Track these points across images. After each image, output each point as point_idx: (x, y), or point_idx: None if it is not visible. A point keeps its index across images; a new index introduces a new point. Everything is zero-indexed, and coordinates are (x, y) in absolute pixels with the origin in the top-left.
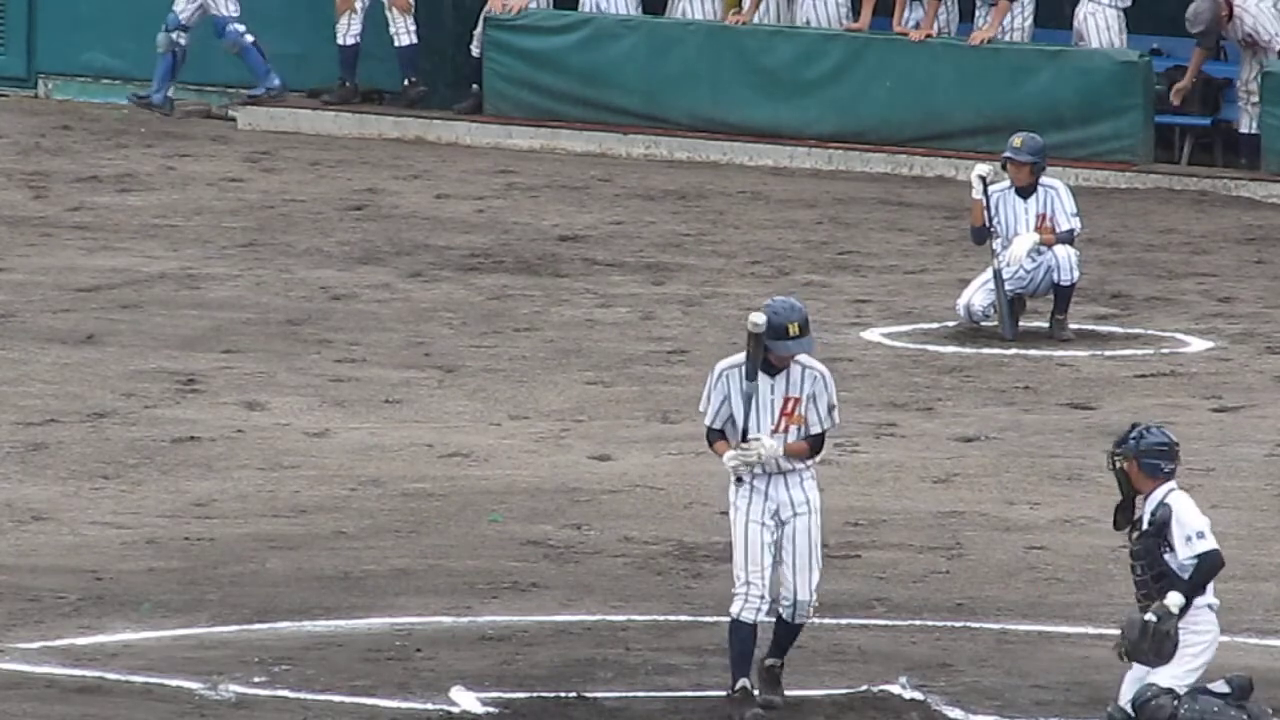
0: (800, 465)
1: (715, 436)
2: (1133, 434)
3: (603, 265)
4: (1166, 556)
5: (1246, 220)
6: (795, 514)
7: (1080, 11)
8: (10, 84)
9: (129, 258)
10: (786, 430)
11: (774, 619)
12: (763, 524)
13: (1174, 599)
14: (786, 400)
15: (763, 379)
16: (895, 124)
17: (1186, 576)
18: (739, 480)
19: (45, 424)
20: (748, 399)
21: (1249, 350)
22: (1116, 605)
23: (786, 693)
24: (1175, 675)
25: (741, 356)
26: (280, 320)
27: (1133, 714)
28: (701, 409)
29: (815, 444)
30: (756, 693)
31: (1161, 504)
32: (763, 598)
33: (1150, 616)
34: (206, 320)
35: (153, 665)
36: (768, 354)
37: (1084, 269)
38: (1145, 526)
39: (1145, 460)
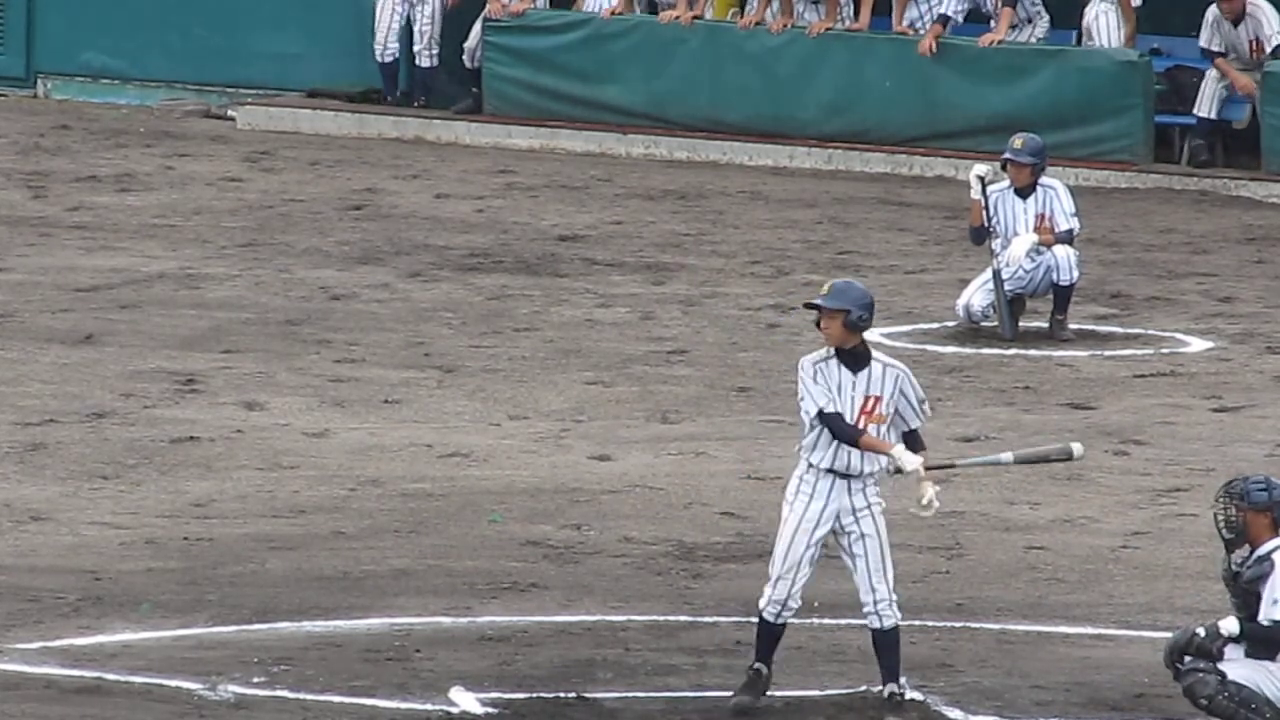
0: (867, 470)
1: (856, 431)
2: (1259, 485)
3: (603, 265)
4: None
5: (1246, 220)
6: (858, 519)
7: (1090, 11)
8: (9, 84)
9: (128, 258)
10: (865, 428)
11: (869, 639)
12: (815, 528)
13: (1230, 625)
14: (868, 399)
15: (845, 375)
16: (895, 124)
17: (1263, 629)
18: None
19: (44, 424)
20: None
21: (1249, 350)
22: (1116, 605)
23: (787, 693)
24: (1243, 675)
25: (827, 350)
26: (280, 320)
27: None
28: (809, 405)
29: (917, 441)
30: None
31: (1268, 559)
32: (784, 603)
33: (1200, 630)
34: (206, 320)
35: (152, 665)
36: (854, 349)
37: (1084, 269)
38: (1245, 572)
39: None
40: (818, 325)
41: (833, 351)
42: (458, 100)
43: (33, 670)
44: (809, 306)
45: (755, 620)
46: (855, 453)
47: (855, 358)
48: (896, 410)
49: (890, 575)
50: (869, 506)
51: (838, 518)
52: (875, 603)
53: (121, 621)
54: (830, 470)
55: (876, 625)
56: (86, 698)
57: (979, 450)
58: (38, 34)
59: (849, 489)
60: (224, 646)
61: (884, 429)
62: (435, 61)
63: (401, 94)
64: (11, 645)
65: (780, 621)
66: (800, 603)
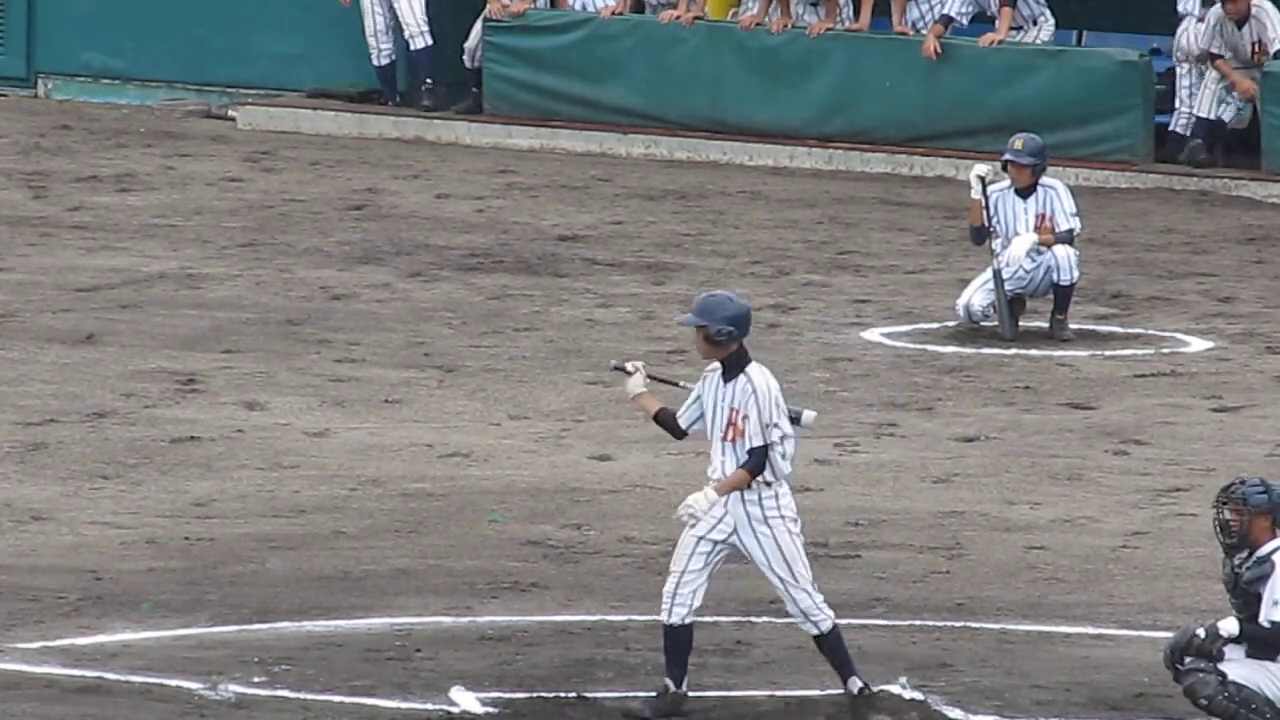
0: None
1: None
2: (1257, 488)
3: (603, 265)
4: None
5: (1246, 220)
6: (754, 528)
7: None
8: (10, 84)
9: (129, 257)
10: (734, 440)
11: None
12: (708, 531)
13: (1229, 626)
14: (733, 411)
15: (721, 386)
16: (895, 124)
17: (1263, 630)
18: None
19: (45, 424)
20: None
21: (1249, 350)
22: (1116, 605)
23: (786, 693)
24: (1243, 675)
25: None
26: (280, 320)
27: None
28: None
29: (751, 462)
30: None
31: (1268, 560)
32: (672, 598)
33: (1200, 632)
34: (206, 320)
35: (152, 665)
36: (729, 360)
37: (1084, 269)
38: (1244, 573)
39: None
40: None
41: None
42: (458, 100)
43: (33, 670)
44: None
45: (755, 620)
46: (728, 462)
47: (729, 369)
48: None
49: (806, 581)
50: (765, 519)
51: (735, 530)
52: (802, 613)
53: (122, 621)
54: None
55: (814, 632)
56: (87, 697)
57: (979, 451)
58: (38, 34)
59: (742, 498)
60: (224, 646)
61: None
62: (429, 40)
63: (404, 95)
64: (12, 645)
65: (675, 622)
66: (694, 605)
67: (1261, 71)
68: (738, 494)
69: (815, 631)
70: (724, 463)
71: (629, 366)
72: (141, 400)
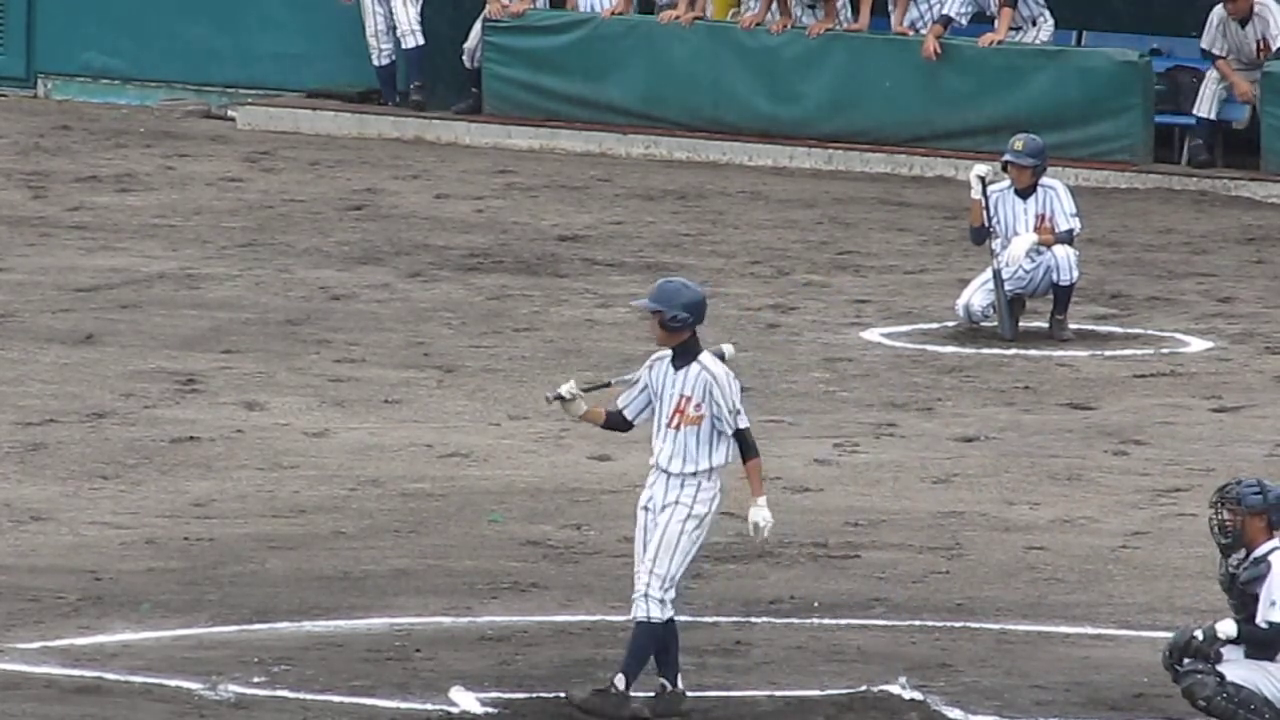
0: (688, 471)
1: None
2: (1252, 488)
3: (602, 265)
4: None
5: (1246, 220)
6: (663, 508)
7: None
8: (10, 84)
9: (128, 258)
10: (679, 428)
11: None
12: (645, 511)
13: (1227, 628)
14: (682, 398)
15: (670, 373)
16: (895, 124)
17: (1261, 631)
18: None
19: (44, 424)
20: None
21: (1249, 350)
22: (1116, 605)
23: (787, 693)
24: (1241, 675)
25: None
26: (280, 320)
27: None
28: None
29: (749, 450)
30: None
31: (1265, 560)
32: (640, 592)
33: (1198, 634)
34: (206, 320)
35: (152, 665)
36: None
37: (1084, 269)
38: (1241, 574)
39: (1276, 514)
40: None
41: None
42: (458, 100)
43: (33, 670)
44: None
45: (754, 620)
46: (667, 449)
47: (681, 356)
48: (713, 415)
49: (664, 574)
50: (678, 502)
51: (650, 504)
52: (640, 590)
53: (121, 621)
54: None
55: (635, 614)
56: (86, 697)
57: (979, 451)
58: (38, 34)
59: (667, 483)
60: (224, 646)
61: (700, 430)
62: (420, 40)
63: (401, 95)
64: (11, 645)
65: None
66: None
67: (1262, 71)
68: (666, 478)
69: (635, 614)
70: (663, 449)
71: (563, 392)
72: (141, 400)
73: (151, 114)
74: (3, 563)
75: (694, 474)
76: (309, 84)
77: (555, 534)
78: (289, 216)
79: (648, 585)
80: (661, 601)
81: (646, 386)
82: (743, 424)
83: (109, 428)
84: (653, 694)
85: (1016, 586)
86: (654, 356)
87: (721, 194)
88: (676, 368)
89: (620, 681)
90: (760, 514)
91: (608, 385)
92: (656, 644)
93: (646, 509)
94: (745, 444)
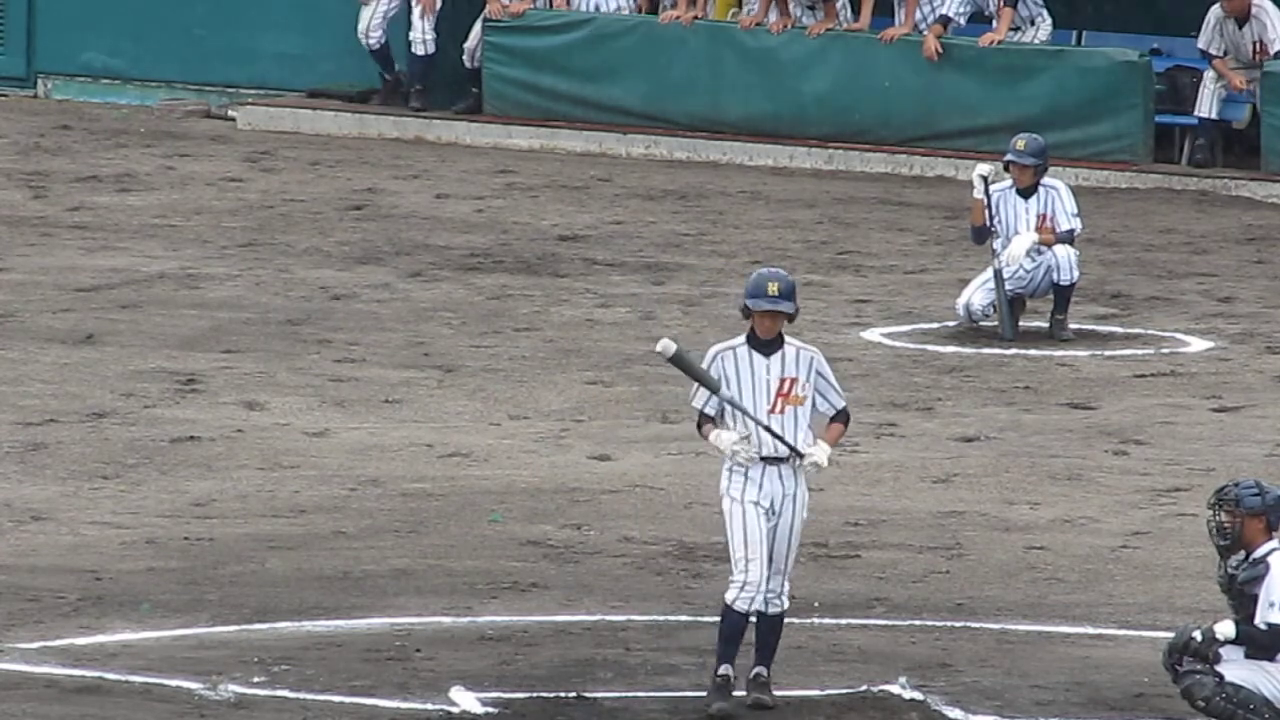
0: (792, 454)
1: (704, 420)
2: (1251, 489)
3: (603, 265)
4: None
5: (1246, 220)
6: (785, 505)
7: None
8: (10, 84)
9: (128, 257)
10: (783, 411)
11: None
12: (758, 508)
13: (1225, 629)
14: (783, 381)
15: (758, 359)
16: (895, 124)
17: (1259, 632)
18: (732, 470)
19: (44, 424)
20: (729, 402)
21: (1249, 350)
22: (1116, 605)
23: (787, 693)
24: (1241, 676)
25: (738, 339)
26: (280, 320)
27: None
28: (693, 393)
29: (844, 419)
30: (738, 691)
31: (1263, 561)
32: (759, 587)
33: (1196, 635)
34: (206, 320)
35: (152, 665)
36: (755, 329)
37: (1084, 269)
38: (1240, 575)
39: (1275, 515)
40: (747, 318)
41: (743, 339)
42: (457, 100)
43: (33, 670)
44: (765, 312)
45: (754, 620)
46: (765, 436)
47: (771, 343)
48: (818, 391)
49: (790, 569)
50: (796, 495)
51: (771, 502)
52: (768, 592)
53: (121, 621)
54: (761, 457)
55: (762, 607)
56: (87, 697)
57: (979, 451)
58: (38, 34)
59: (780, 473)
60: (224, 646)
61: (801, 411)
62: (431, 49)
63: (400, 73)
64: (12, 645)
65: (754, 608)
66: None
67: (1261, 71)
68: (777, 468)
69: (768, 607)
70: (765, 438)
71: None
72: (141, 400)
73: (151, 114)
74: (3, 563)
75: (800, 458)
76: (309, 84)
77: (555, 534)
78: (289, 216)
79: (782, 587)
80: (780, 596)
81: (721, 381)
82: (845, 401)
83: (109, 428)
84: (716, 688)
85: (1016, 586)
86: (715, 351)
87: (721, 194)
88: (767, 354)
89: (764, 673)
90: (825, 454)
91: (716, 391)
92: (740, 634)
93: (758, 504)
94: (846, 418)
